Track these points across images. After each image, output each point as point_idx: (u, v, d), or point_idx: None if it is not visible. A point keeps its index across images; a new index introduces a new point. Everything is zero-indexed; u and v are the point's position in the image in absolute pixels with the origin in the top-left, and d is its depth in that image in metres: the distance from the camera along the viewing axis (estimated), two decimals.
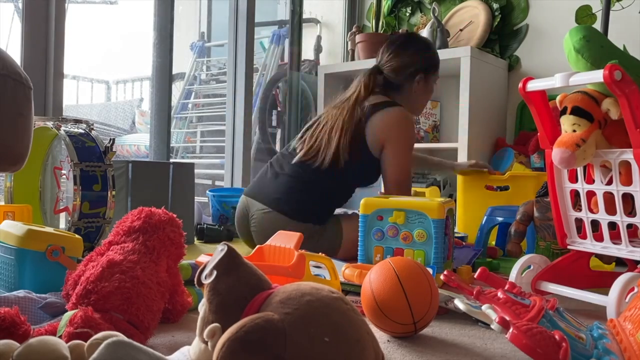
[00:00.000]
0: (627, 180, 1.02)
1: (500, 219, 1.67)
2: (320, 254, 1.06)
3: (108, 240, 0.91)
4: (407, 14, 2.97)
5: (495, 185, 1.92)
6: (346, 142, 1.60)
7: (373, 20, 2.96)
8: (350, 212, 1.84)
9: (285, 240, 1.01)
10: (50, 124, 1.46)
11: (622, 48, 1.13)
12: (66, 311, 0.80)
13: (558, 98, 1.10)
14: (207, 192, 2.25)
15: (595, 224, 1.11)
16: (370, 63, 2.64)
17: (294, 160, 1.66)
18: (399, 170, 1.64)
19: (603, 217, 1.07)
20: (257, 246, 1.04)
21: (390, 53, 1.73)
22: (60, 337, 0.71)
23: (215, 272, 0.61)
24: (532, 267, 1.15)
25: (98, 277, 0.81)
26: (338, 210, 1.79)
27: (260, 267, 0.86)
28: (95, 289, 0.79)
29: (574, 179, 1.12)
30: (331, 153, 1.61)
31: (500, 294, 0.82)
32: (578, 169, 1.09)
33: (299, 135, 1.76)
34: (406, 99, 1.73)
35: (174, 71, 2.70)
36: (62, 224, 1.67)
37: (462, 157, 2.35)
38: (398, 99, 1.72)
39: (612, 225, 1.09)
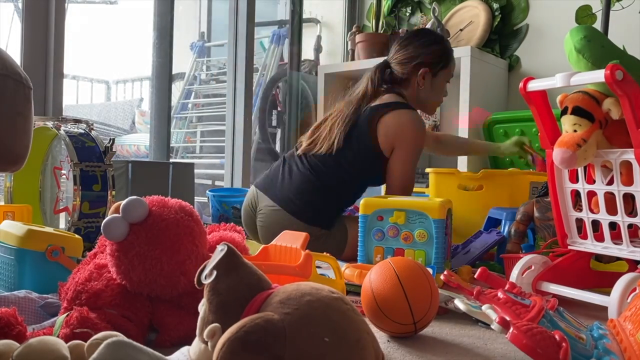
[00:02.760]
0: (628, 180, 1.02)
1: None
2: (325, 253, 1.06)
3: (92, 253, 0.93)
4: (407, 14, 2.97)
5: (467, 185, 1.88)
6: (346, 132, 1.60)
7: (373, 20, 2.96)
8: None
9: (291, 240, 1.01)
10: (50, 124, 1.46)
11: (622, 48, 1.13)
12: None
13: (559, 98, 1.10)
14: (207, 192, 2.25)
15: (595, 224, 1.11)
16: (371, 63, 2.66)
17: (299, 152, 1.67)
18: (405, 175, 1.62)
19: (604, 217, 1.07)
20: (263, 246, 1.04)
21: (398, 46, 1.72)
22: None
23: (215, 272, 0.61)
24: (532, 268, 1.15)
25: (87, 278, 0.82)
26: None
27: (268, 267, 0.87)
28: (85, 288, 0.80)
29: (574, 179, 1.12)
30: (330, 141, 1.61)
31: (500, 294, 0.82)
32: (579, 169, 1.09)
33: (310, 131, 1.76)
34: (414, 96, 1.70)
35: (174, 71, 2.70)
36: (62, 224, 1.67)
37: (462, 157, 2.35)
38: (406, 96, 1.69)
39: (612, 226, 1.09)
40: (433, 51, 1.70)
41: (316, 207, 1.62)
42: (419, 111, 1.72)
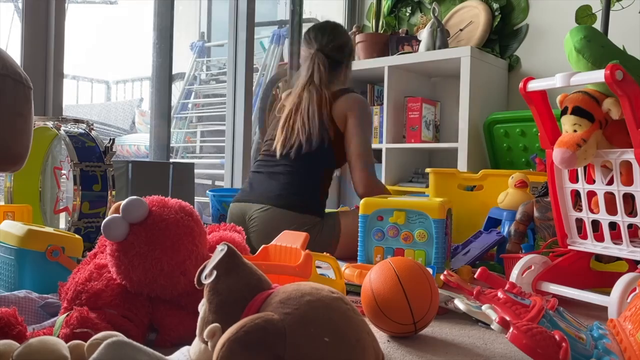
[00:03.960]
0: (628, 180, 1.02)
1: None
2: (325, 253, 1.06)
3: (92, 253, 0.93)
4: (407, 14, 2.97)
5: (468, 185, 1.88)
6: (323, 121, 1.73)
7: (373, 20, 2.96)
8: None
9: (291, 240, 1.01)
10: (50, 124, 1.46)
11: (621, 48, 1.13)
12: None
13: (559, 98, 1.10)
14: (207, 192, 2.25)
15: (595, 224, 1.11)
16: (371, 63, 2.66)
17: (277, 153, 1.74)
18: (360, 141, 1.75)
19: (604, 217, 1.07)
20: (263, 246, 1.04)
21: (327, 35, 1.87)
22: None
23: (215, 272, 0.61)
24: (532, 268, 1.15)
25: (87, 278, 0.82)
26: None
27: (268, 267, 0.87)
28: (85, 288, 0.80)
29: (574, 179, 1.12)
30: (316, 132, 1.71)
31: (500, 294, 0.82)
32: (579, 169, 1.09)
33: (269, 131, 1.87)
34: (343, 77, 1.90)
35: (174, 71, 2.70)
36: (62, 224, 1.67)
37: (462, 157, 2.35)
38: (338, 79, 1.87)
39: (612, 226, 1.09)
40: (351, 39, 1.98)
41: (305, 195, 1.70)
42: None
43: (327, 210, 1.81)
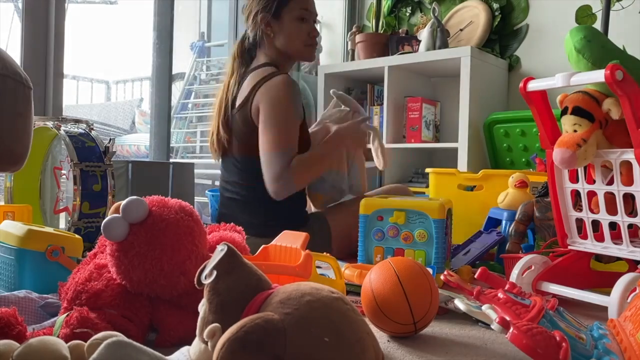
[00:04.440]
0: (628, 180, 1.01)
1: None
2: (325, 253, 1.06)
3: (92, 253, 0.93)
4: (407, 14, 2.97)
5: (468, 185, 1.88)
6: (227, 117, 1.58)
7: (373, 20, 2.96)
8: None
9: (291, 240, 1.01)
10: (50, 124, 1.47)
11: (622, 48, 1.13)
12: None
13: (559, 98, 1.10)
14: (207, 192, 2.25)
15: (595, 224, 1.11)
16: (371, 63, 2.66)
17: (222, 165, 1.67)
18: (270, 138, 1.41)
19: (604, 217, 1.07)
20: (263, 246, 1.04)
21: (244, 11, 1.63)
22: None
23: (215, 272, 0.61)
24: (532, 268, 1.15)
25: (87, 278, 0.82)
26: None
27: (268, 267, 0.87)
28: (85, 288, 0.80)
29: (574, 179, 1.12)
30: (215, 133, 1.63)
31: (500, 294, 0.82)
32: (579, 169, 1.09)
33: None
34: (273, 51, 1.58)
35: (174, 71, 2.70)
36: (62, 224, 1.67)
37: (462, 157, 2.35)
38: (268, 53, 1.59)
39: (612, 226, 1.09)
40: None
41: (276, 211, 1.52)
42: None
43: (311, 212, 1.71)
